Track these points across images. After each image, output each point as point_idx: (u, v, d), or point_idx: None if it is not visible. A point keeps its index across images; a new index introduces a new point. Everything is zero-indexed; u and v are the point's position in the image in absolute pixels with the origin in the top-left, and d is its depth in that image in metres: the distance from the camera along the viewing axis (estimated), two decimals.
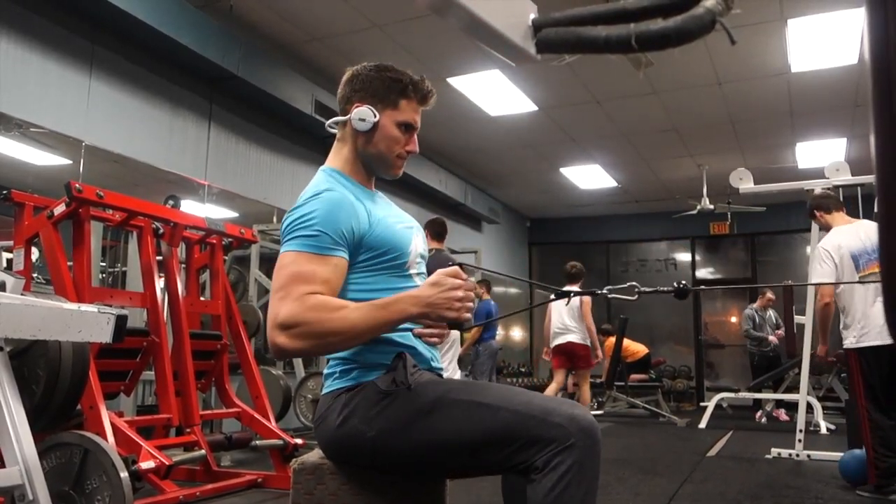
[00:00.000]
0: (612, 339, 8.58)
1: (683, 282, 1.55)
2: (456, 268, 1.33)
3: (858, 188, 4.84)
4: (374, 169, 1.53)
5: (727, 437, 6.31)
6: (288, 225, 1.38)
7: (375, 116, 1.47)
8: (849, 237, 3.79)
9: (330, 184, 1.45)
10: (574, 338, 6.29)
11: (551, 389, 6.44)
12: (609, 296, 1.46)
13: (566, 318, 6.33)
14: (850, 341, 3.70)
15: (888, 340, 3.17)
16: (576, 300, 6.40)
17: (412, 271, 1.49)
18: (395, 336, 1.42)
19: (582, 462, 1.22)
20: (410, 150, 1.52)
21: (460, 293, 1.30)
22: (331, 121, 1.55)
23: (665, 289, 1.57)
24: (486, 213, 10.00)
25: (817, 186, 4.98)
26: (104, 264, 5.12)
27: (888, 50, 0.59)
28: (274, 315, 1.30)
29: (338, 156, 1.54)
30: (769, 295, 8.57)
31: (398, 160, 1.52)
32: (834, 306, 3.89)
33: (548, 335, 6.52)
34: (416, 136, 1.53)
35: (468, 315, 1.31)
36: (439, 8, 1.13)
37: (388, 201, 1.62)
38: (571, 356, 6.33)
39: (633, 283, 1.45)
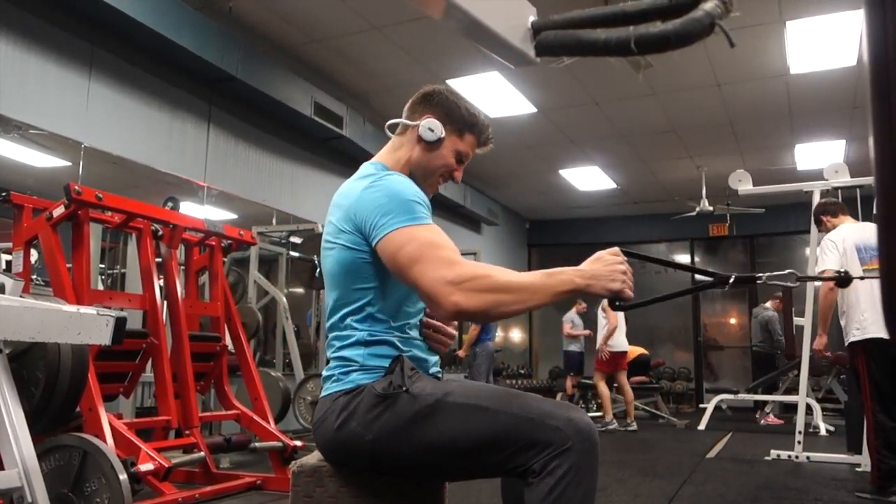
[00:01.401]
0: None
1: (844, 269, 1.50)
2: (615, 248, 1.35)
3: (857, 189, 4.84)
4: (415, 180, 1.53)
5: (726, 439, 6.31)
6: (380, 206, 1.36)
7: (442, 133, 1.52)
8: (854, 231, 3.83)
9: (392, 170, 1.49)
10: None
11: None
12: (769, 282, 1.44)
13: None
14: (854, 334, 3.66)
15: None
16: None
17: None
18: (397, 341, 1.42)
19: (580, 465, 1.22)
20: (455, 177, 1.58)
21: (623, 267, 1.32)
22: (398, 121, 1.57)
23: (826, 276, 1.52)
24: (486, 215, 10.00)
25: (816, 188, 4.99)
26: (103, 266, 5.12)
27: (887, 51, 0.59)
28: (440, 277, 1.26)
29: (391, 156, 1.57)
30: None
31: (439, 180, 1.57)
32: (838, 293, 3.85)
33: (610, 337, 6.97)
34: (462, 169, 1.60)
35: (630, 292, 1.32)
36: (439, 11, 1.14)
37: None
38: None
39: (792, 270, 1.43)
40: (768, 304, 8.67)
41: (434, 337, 1.51)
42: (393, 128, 1.60)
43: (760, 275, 1.43)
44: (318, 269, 5.58)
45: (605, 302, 6.76)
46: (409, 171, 1.53)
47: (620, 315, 6.70)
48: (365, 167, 1.54)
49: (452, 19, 1.14)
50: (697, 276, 8.76)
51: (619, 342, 7.04)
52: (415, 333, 1.48)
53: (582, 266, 1.33)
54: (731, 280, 1.41)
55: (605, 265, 1.32)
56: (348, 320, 1.42)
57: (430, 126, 1.51)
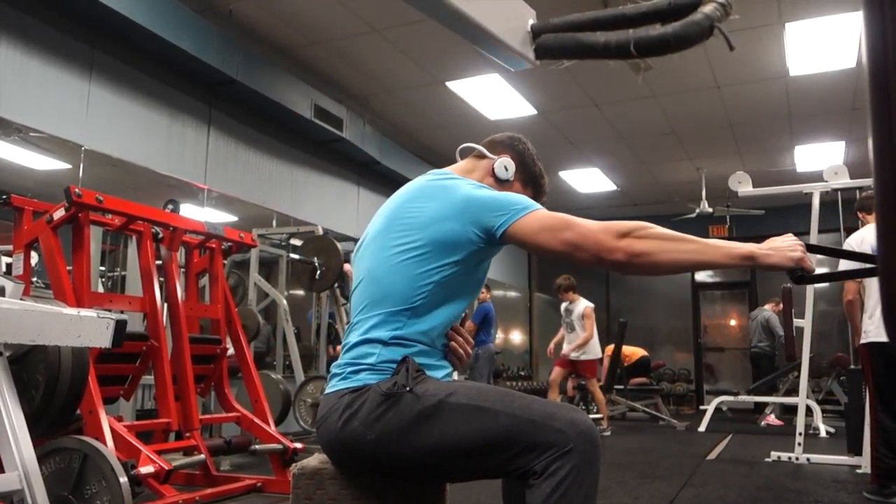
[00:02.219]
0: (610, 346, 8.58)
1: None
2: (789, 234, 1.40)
3: (857, 191, 4.84)
4: None
5: (727, 441, 6.30)
6: (503, 198, 1.43)
7: (512, 177, 1.63)
8: (873, 232, 3.84)
9: None
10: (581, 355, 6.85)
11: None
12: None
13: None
14: (864, 336, 3.73)
15: None
16: (580, 309, 6.67)
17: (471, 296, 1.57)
18: (419, 346, 1.41)
19: (581, 467, 1.22)
20: None
21: (800, 244, 1.37)
22: (476, 147, 1.66)
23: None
24: None
25: (816, 190, 4.99)
26: (104, 268, 5.12)
27: (886, 53, 0.60)
28: (602, 228, 1.34)
29: (470, 175, 1.62)
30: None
31: None
32: (860, 301, 3.93)
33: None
34: None
35: (809, 263, 1.35)
36: (440, 14, 1.14)
37: None
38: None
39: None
40: (767, 307, 8.67)
41: (456, 351, 1.51)
42: (466, 151, 1.69)
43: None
44: (320, 272, 5.59)
45: (587, 308, 6.86)
46: None
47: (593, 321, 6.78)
48: (448, 173, 1.58)
49: (453, 23, 1.15)
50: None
51: (595, 350, 6.89)
52: (439, 343, 1.47)
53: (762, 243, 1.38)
54: None
55: (783, 241, 1.37)
56: (380, 318, 1.41)
57: (507, 165, 1.62)
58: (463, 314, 1.55)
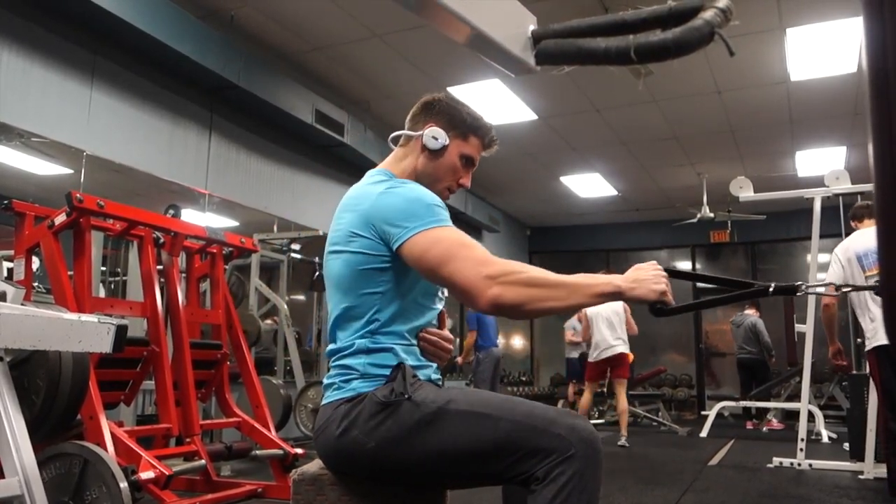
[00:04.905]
0: None
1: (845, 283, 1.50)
2: (652, 261, 1.41)
3: (858, 196, 4.85)
4: None
5: (728, 446, 6.29)
6: (401, 210, 1.37)
7: (446, 141, 1.53)
8: (859, 239, 3.86)
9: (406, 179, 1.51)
10: (625, 348, 6.43)
11: (587, 401, 6.52)
12: (808, 292, 1.48)
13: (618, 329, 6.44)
14: (868, 342, 3.70)
15: None
16: (619, 307, 6.46)
17: (439, 295, 1.53)
18: (400, 350, 1.41)
19: (583, 472, 1.22)
20: (463, 183, 1.58)
21: (664, 274, 1.36)
22: (401, 133, 1.58)
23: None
24: (486, 222, 10.00)
25: (817, 195, 4.99)
26: (105, 269, 5.11)
27: (885, 58, 0.60)
28: (476, 272, 1.29)
29: (396, 166, 1.57)
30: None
31: (447, 191, 1.57)
32: (836, 308, 4.04)
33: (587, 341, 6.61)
34: (470, 174, 1.59)
35: (670, 297, 1.35)
36: (440, 20, 1.14)
37: None
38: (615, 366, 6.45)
39: (831, 281, 1.48)
40: (749, 311, 8.63)
41: (431, 350, 1.49)
42: (396, 140, 1.61)
43: (800, 283, 1.46)
44: (319, 272, 5.58)
45: (584, 310, 6.73)
46: (416, 181, 1.52)
47: (598, 321, 6.47)
48: (374, 174, 1.54)
49: (453, 29, 1.15)
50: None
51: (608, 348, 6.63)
52: (413, 342, 1.47)
53: (624, 274, 1.37)
54: (772, 289, 1.44)
55: (647, 271, 1.36)
56: (352, 327, 1.42)
57: (434, 134, 1.53)
58: (436, 315, 1.54)
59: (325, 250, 1.51)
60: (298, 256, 5.49)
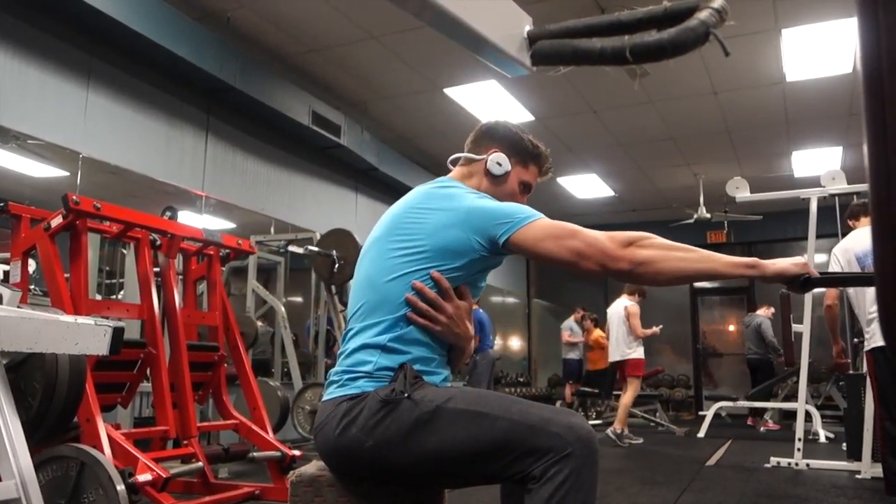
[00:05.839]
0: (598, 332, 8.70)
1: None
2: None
3: (854, 196, 4.85)
4: None
5: (726, 446, 6.30)
6: (504, 208, 1.46)
7: (509, 167, 1.60)
8: (858, 239, 3.84)
9: None
10: (618, 356, 6.78)
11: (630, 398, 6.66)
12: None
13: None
14: (866, 342, 3.70)
15: None
16: (621, 312, 6.63)
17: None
18: (412, 352, 1.40)
19: (580, 471, 1.22)
20: None
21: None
22: (464, 155, 1.64)
23: None
24: None
25: (813, 195, 5.00)
26: (106, 267, 5.10)
27: (879, 59, 0.60)
28: (605, 237, 1.37)
29: (469, 180, 1.62)
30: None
31: None
32: (838, 308, 4.07)
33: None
34: (526, 199, 1.66)
35: (812, 269, 1.40)
36: (436, 21, 1.14)
37: None
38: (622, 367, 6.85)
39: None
40: (760, 312, 8.65)
41: (423, 310, 1.39)
42: (455, 161, 1.67)
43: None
44: (338, 265, 5.56)
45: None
46: None
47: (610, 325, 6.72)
48: (451, 181, 1.58)
49: (449, 29, 1.15)
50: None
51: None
52: (437, 349, 1.45)
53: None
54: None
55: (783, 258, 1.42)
56: (380, 326, 1.41)
57: (498, 160, 1.59)
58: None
59: (365, 246, 1.54)
60: (316, 249, 5.46)
